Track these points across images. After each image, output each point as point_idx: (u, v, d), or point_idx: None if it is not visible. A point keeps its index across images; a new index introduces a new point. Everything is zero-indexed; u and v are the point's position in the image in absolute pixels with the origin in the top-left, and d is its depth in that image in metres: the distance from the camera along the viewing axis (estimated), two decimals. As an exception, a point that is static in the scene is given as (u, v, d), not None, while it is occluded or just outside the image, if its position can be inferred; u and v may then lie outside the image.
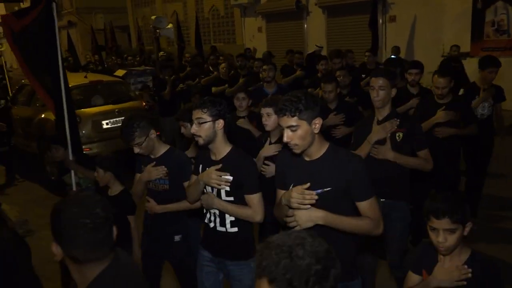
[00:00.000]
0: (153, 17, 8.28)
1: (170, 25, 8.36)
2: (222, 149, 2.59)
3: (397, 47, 9.14)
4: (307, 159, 2.26)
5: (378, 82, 2.94)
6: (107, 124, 6.67)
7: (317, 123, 2.15)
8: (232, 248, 2.63)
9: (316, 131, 2.17)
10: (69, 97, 4.06)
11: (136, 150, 2.91)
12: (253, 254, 2.35)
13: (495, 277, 2.02)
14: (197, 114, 2.52)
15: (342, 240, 2.18)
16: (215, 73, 7.39)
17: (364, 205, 2.20)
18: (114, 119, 6.67)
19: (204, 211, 2.72)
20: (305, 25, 13.17)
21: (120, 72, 7.88)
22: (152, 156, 2.99)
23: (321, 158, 2.23)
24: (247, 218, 2.52)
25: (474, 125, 4.02)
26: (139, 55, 14.40)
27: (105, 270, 1.48)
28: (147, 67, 8.81)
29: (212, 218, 2.66)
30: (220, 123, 2.52)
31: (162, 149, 3.01)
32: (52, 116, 6.44)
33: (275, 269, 1.08)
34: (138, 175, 3.12)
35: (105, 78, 7.62)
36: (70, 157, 3.94)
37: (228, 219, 2.60)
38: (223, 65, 7.08)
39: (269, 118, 3.20)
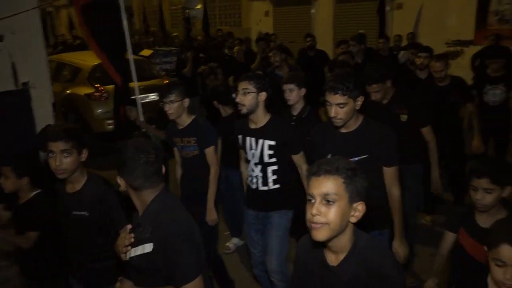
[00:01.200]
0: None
1: (199, 5, 8.57)
2: (263, 118, 2.90)
3: (400, 36, 9.45)
4: (344, 131, 2.53)
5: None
6: (132, 99, 7.01)
7: (360, 100, 2.45)
8: (274, 201, 2.98)
9: (358, 107, 2.46)
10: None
11: (167, 107, 3.12)
12: (292, 204, 2.74)
13: None
14: (243, 85, 2.83)
15: (381, 191, 2.58)
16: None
17: (388, 171, 2.55)
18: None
19: (248, 174, 3.05)
20: (312, 11, 13.43)
21: (146, 52, 8.12)
22: (180, 127, 3.24)
23: (357, 130, 2.52)
24: None
25: (470, 104, 4.35)
26: (145, 36, 14.60)
27: (158, 195, 1.84)
28: (173, 48, 9.06)
29: (254, 180, 2.99)
30: (263, 95, 2.83)
31: (188, 119, 3.24)
32: (81, 91, 6.81)
33: None
34: (174, 149, 3.38)
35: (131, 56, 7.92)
36: (141, 118, 4.31)
37: (271, 178, 2.94)
38: (236, 48, 7.40)
39: (291, 93, 3.49)
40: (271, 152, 2.87)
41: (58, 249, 2.47)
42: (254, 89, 2.80)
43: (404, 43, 9.22)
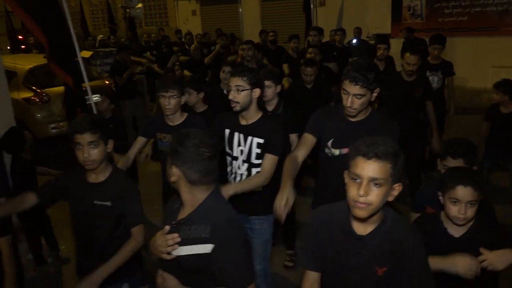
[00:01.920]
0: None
1: (139, 5, 8.50)
2: (254, 115, 2.77)
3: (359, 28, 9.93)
4: (351, 119, 2.50)
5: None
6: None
7: (376, 92, 2.40)
8: (255, 204, 2.85)
9: (372, 99, 2.43)
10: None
11: (165, 101, 3.02)
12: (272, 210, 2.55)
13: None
14: (236, 81, 2.66)
15: None
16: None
17: None
18: (80, 97, 6.87)
19: (229, 175, 2.92)
20: (240, 9, 13.80)
21: (86, 53, 7.91)
22: (171, 124, 3.15)
23: (364, 120, 2.50)
24: (260, 184, 2.66)
25: (430, 102, 4.48)
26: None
27: (212, 193, 1.78)
28: (113, 49, 8.87)
29: (238, 179, 2.85)
30: (257, 91, 2.70)
31: (181, 118, 3.18)
32: (17, 96, 6.51)
33: None
34: (140, 139, 3.23)
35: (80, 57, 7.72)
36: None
37: None
38: (193, 46, 7.61)
39: (268, 90, 3.48)
40: (258, 150, 2.76)
41: None
42: (248, 86, 2.67)
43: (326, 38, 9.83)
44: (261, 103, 3.40)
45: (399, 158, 1.58)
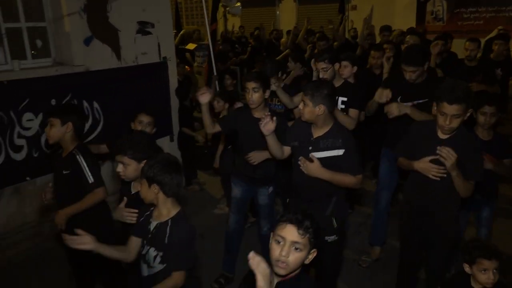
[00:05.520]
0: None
1: (238, 4, 9.79)
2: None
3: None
4: (411, 82, 3.43)
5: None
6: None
7: (427, 65, 3.42)
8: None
9: (425, 69, 3.43)
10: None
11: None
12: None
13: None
14: (252, 84, 3.21)
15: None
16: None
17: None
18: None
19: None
20: (277, 12, 15.50)
21: (191, 46, 9.05)
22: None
23: (421, 82, 3.45)
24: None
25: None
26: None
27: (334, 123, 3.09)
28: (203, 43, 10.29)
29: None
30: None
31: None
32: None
33: None
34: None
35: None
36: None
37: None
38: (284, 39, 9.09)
39: (345, 69, 3.93)
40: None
41: None
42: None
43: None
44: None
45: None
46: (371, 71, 5.29)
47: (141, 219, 2.34)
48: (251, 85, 3.18)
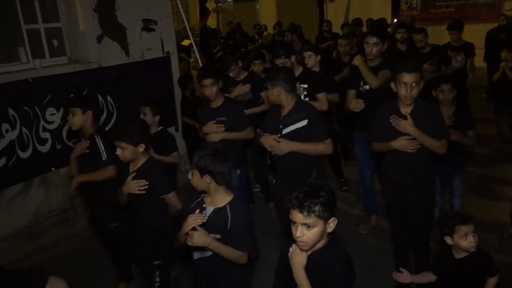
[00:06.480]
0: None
1: None
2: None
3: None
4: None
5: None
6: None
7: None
8: None
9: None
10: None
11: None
12: None
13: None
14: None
15: None
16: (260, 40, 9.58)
17: None
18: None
19: None
20: (257, 6, 15.88)
21: (186, 42, 9.36)
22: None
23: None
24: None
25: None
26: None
27: (297, 100, 3.80)
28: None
29: None
30: None
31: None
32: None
33: None
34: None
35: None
36: None
37: None
38: (266, 32, 9.42)
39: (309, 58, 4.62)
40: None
41: None
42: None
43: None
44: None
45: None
46: (340, 59, 5.85)
47: (191, 206, 2.46)
48: (208, 82, 3.57)
